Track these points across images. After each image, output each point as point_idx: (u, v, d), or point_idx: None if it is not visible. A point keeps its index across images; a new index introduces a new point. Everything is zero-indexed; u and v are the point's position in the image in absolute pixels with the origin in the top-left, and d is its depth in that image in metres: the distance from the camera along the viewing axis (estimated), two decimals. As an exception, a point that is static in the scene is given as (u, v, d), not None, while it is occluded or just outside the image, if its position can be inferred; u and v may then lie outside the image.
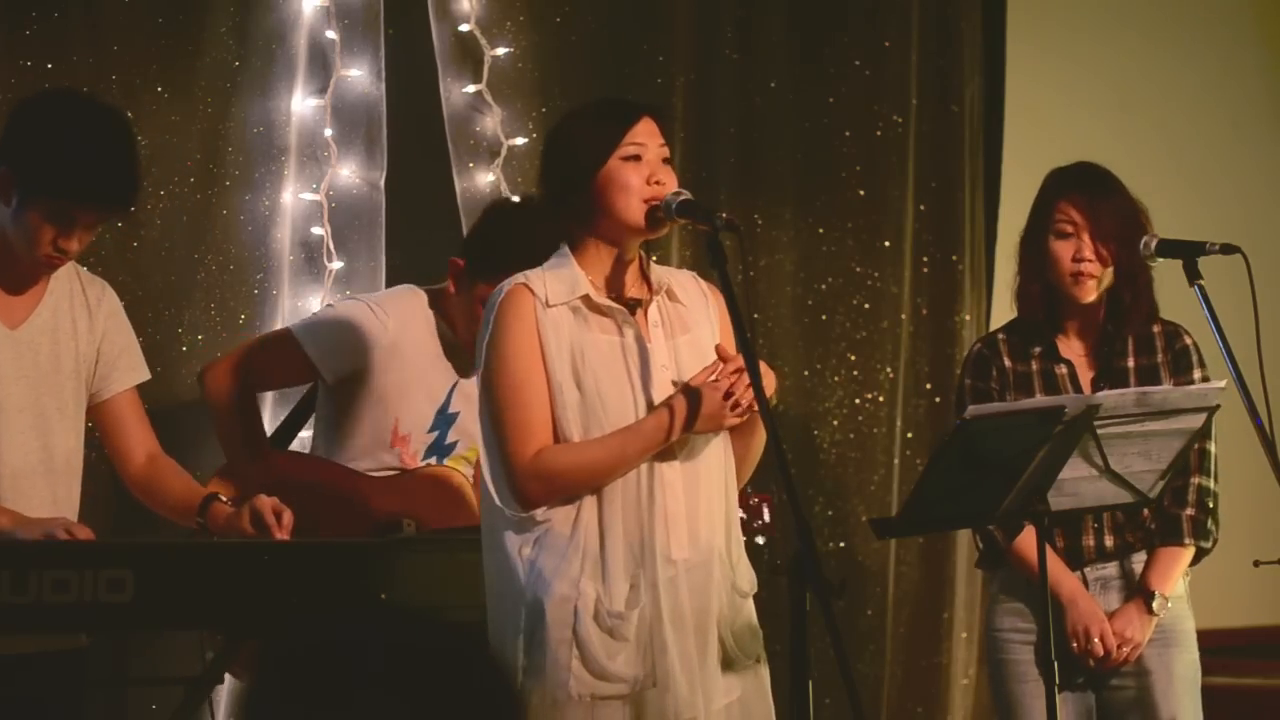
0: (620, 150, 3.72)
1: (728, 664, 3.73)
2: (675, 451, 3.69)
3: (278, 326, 4.93)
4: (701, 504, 3.71)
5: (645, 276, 3.79)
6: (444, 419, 4.49)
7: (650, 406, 3.68)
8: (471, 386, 4.39)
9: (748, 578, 3.78)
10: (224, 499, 4.11)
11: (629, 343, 3.71)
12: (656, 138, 3.77)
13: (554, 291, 3.69)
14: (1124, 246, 4.35)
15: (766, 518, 4.62)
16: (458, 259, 4.46)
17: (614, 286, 3.75)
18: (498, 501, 3.68)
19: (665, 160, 3.77)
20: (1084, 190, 4.40)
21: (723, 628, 3.72)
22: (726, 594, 3.73)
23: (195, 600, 3.79)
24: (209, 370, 4.49)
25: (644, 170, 3.72)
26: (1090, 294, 4.40)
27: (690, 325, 3.79)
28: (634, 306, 3.75)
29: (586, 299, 3.70)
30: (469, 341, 4.32)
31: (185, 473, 4.20)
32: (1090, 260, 4.37)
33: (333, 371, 4.44)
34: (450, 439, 4.49)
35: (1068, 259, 4.38)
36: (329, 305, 4.72)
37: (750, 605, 3.80)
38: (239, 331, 5.04)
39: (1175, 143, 6.60)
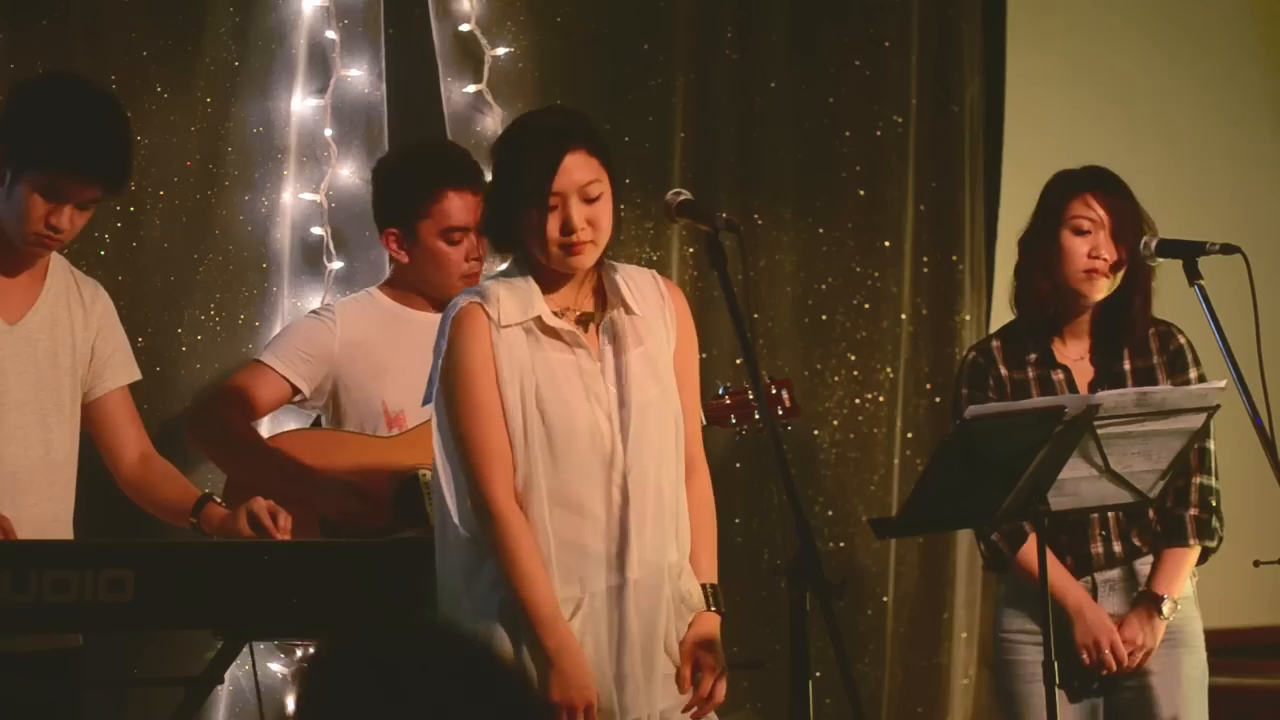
0: (538, 200, 3.65)
1: (677, 679, 3.74)
2: (623, 472, 3.70)
3: (278, 327, 4.93)
4: (649, 523, 3.71)
5: (602, 288, 3.78)
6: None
7: (599, 426, 3.68)
8: None
9: (696, 593, 3.78)
10: (218, 500, 4.11)
11: (580, 362, 3.71)
12: (575, 176, 3.65)
13: (507, 312, 3.68)
14: (1134, 251, 4.35)
15: (788, 401, 4.77)
16: (389, 231, 4.56)
17: (567, 300, 3.74)
18: (455, 519, 3.70)
19: (590, 200, 3.65)
20: (1105, 188, 4.38)
21: (670, 643, 3.74)
22: (675, 609, 3.75)
23: (195, 600, 3.79)
24: (197, 418, 4.49)
25: (560, 219, 3.65)
26: (1100, 292, 4.39)
27: (644, 337, 3.77)
28: (587, 322, 3.75)
29: (539, 320, 3.70)
30: (468, 282, 4.42)
31: (179, 473, 4.20)
32: (1106, 259, 4.36)
33: (304, 379, 4.47)
34: None
35: (1083, 255, 4.36)
36: (283, 328, 4.75)
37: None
38: (239, 331, 5.04)
39: (1175, 143, 6.59)
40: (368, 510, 4.28)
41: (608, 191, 3.68)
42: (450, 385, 3.69)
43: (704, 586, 3.77)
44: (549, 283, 3.72)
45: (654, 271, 3.89)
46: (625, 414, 3.71)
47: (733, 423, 4.74)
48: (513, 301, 3.69)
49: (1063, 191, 4.43)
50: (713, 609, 3.76)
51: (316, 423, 4.68)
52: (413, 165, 4.57)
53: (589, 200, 3.65)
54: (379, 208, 4.59)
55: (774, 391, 4.80)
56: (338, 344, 4.48)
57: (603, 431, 3.68)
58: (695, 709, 3.73)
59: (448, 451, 3.71)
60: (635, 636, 3.68)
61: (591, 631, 3.66)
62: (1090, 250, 4.36)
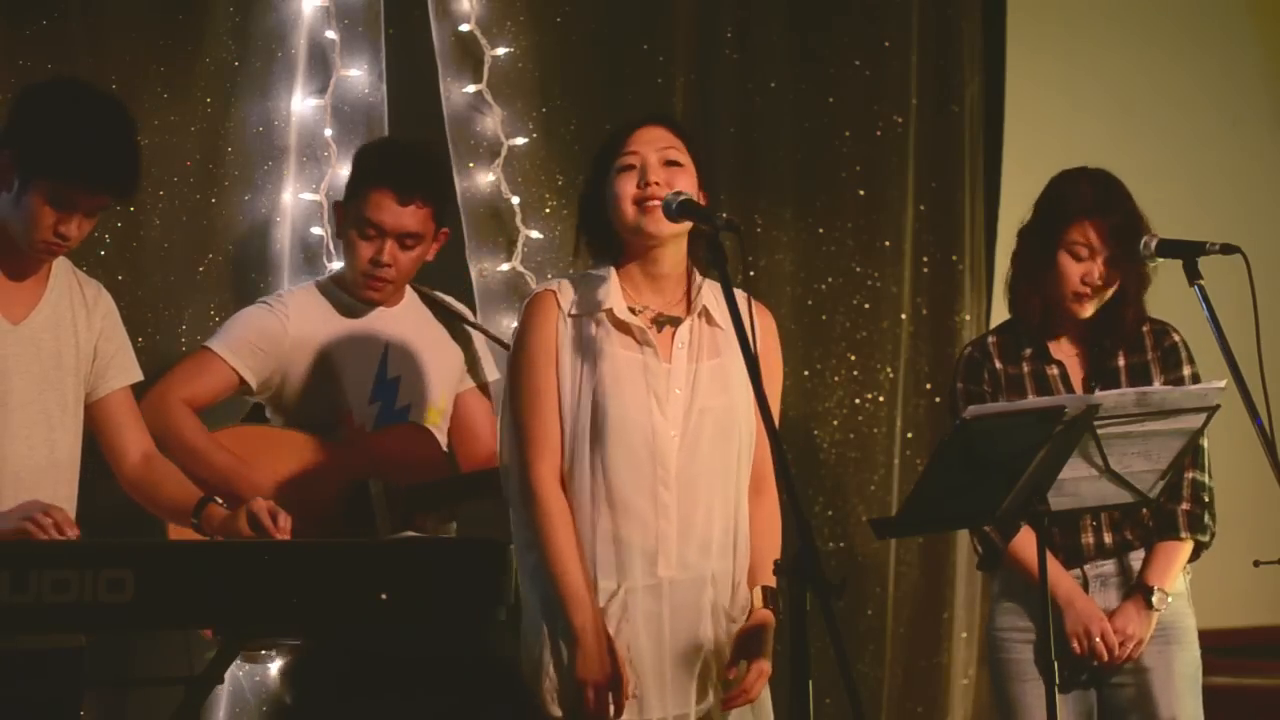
0: (618, 161, 3.80)
1: (715, 684, 3.80)
2: (672, 472, 3.76)
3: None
4: (697, 526, 3.77)
5: (689, 296, 3.84)
6: (384, 387, 4.51)
7: (654, 424, 3.76)
8: (406, 340, 4.49)
9: (741, 605, 3.83)
10: (219, 500, 4.12)
11: (646, 360, 3.78)
12: (656, 142, 3.81)
13: (578, 302, 3.79)
14: (1129, 264, 4.36)
15: None
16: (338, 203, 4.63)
17: (649, 299, 3.83)
18: (507, 496, 3.84)
19: (670, 163, 3.80)
20: (1104, 214, 4.34)
21: (719, 652, 3.78)
22: (723, 618, 3.79)
23: (195, 600, 3.79)
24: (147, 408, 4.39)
25: (637, 176, 3.79)
26: (1088, 311, 4.41)
27: (722, 350, 3.84)
28: (665, 324, 3.81)
29: (610, 313, 3.77)
30: (366, 282, 4.45)
31: (181, 474, 4.20)
32: (1100, 285, 4.37)
33: (253, 371, 4.47)
34: (400, 404, 4.50)
35: (1076, 280, 4.37)
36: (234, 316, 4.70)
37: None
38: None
39: (1175, 143, 6.59)
40: (306, 525, 4.28)
41: (689, 166, 3.81)
42: (514, 367, 3.83)
43: (764, 589, 3.84)
44: (634, 279, 3.82)
45: (747, 294, 3.94)
46: (684, 417, 3.78)
47: None
48: (586, 293, 3.80)
49: (1065, 211, 4.39)
50: (770, 608, 3.84)
51: (258, 411, 4.64)
52: (372, 152, 4.60)
53: (667, 164, 3.78)
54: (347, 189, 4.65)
55: None
56: (289, 339, 4.48)
57: (656, 429, 3.75)
58: (730, 698, 3.78)
59: (507, 436, 3.83)
60: (669, 636, 3.74)
61: (627, 625, 3.72)
62: (1083, 275, 4.37)
